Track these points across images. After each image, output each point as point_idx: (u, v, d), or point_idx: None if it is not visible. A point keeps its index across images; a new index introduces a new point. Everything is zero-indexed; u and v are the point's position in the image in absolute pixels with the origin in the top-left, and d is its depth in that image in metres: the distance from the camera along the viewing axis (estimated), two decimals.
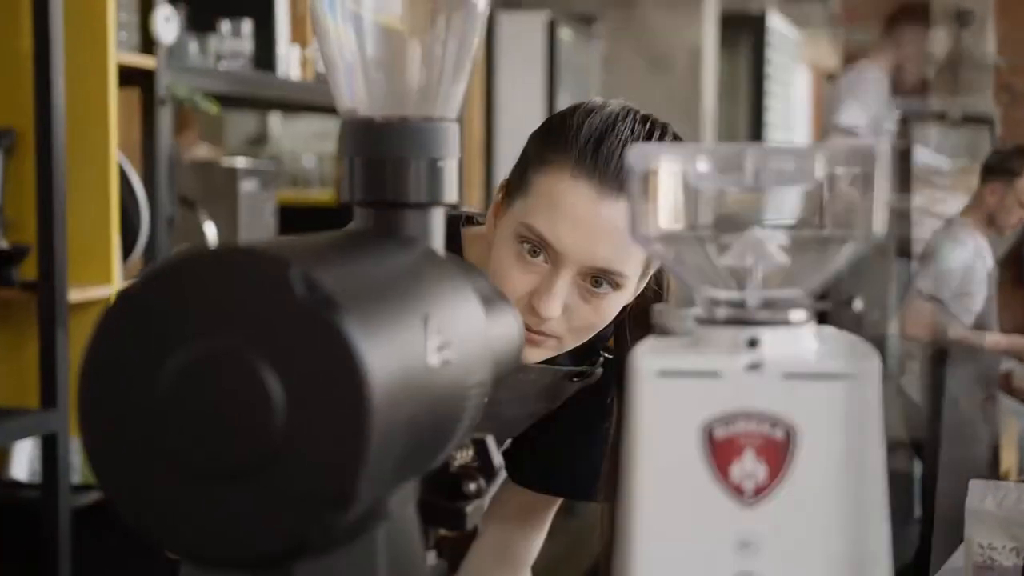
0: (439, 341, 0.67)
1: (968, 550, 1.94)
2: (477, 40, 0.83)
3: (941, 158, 4.78)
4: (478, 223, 1.42)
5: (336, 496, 0.59)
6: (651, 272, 1.32)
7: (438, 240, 0.79)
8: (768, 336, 0.67)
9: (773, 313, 0.68)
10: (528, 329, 1.25)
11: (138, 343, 0.60)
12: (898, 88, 4.62)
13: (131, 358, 0.60)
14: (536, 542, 1.52)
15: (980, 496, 1.97)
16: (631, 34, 5.42)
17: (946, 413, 3.85)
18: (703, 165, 0.68)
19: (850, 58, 9.39)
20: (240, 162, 3.19)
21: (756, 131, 7.35)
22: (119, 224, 2.49)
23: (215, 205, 3.04)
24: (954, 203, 5.00)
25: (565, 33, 4.95)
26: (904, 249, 4.80)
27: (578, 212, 1.22)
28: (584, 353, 1.39)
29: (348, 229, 0.76)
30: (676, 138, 1.30)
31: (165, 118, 2.67)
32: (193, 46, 2.91)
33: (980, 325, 4.38)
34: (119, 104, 2.51)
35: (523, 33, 4.81)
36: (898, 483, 4.87)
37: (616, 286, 1.25)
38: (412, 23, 0.81)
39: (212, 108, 2.73)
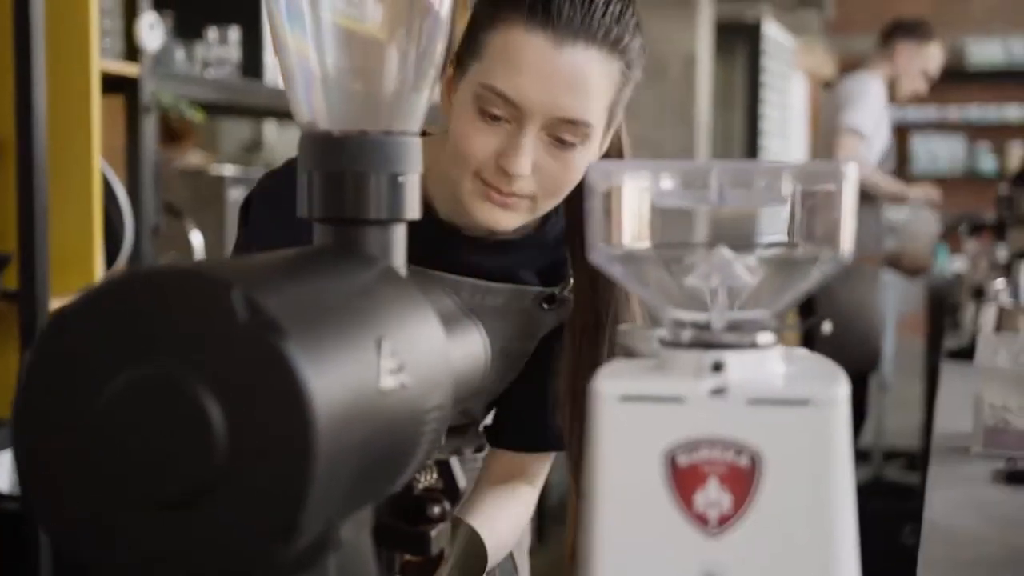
0: (394, 364, 0.65)
1: (978, 410, 1.83)
2: (441, 48, 0.81)
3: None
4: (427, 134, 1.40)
5: (280, 527, 0.57)
6: (614, 126, 1.31)
7: (399, 257, 0.76)
8: (734, 359, 0.64)
9: (739, 336, 0.66)
10: (499, 192, 1.25)
11: (76, 365, 0.58)
12: (894, 99, 4.63)
13: (68, 380, 0.58)
14: (531, 502, 1.48)
15: (992, 350, 1.85)
16: None
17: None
18: (667, 183, 0.66)
19: (846, 67, 9.41)
20: (229, 170, 3.17)
21: (752, 139, 7.33)
22: (102, 233, 2.47)
23: (203, 213, 3.02)
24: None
25: None
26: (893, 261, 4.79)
27: (536, 63, 1.20)
28: (552, 276, 1.39)
29: (306, 248, 0.74)
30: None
31: (149, 126, 2.65)
32: (180, 53, 2.89)
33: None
34: (103, 112, 2.49)
35: None
36: None
37: (583, 137, 1.23)
38: (373, 31, 0.79)
39: (197, 116, 2.70)
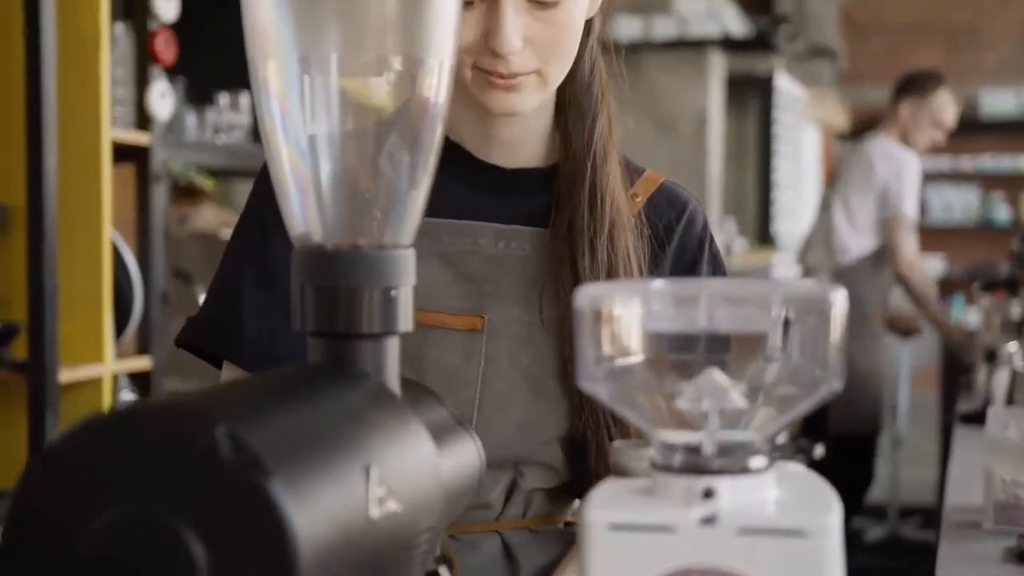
0: (382, 491, 0.64)
1: (988, 485, 1.80)
2: (433, 161, 0.80)
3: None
4: None
5: None
6: None
7: (392, 371, 0.76)
8: (725, 485, 0.64)
9: (730, 460, 0.65)
10: (500, 76, 1.18)
11: (60, 504, 0.58)
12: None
13: (53, 519, 0.58)
14: None
15: (1002, 423, 1.81)
16: (637, 97, 5.42)
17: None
18: (656, 306, 0.65)
19: (858, 117, 9.42)
20: None
21: (764, 192, 7.34)
22: (112, 302, 2.47)
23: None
24: None
25: None
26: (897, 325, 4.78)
27: None
28: None
29: (295, 366, 0.74)
30: None
31: (160, 194, 2.66)
32: (191, 119, 2.91)
33: None
34: (114, 180, 2.50)
35: None
36: None
37: None
38: (367, 141, 0.79)
39: (207, 184, 2.72)
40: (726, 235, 6.18)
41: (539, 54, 1.18)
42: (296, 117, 0.75)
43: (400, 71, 0.76)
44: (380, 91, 0.76)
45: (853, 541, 5.00)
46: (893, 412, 5.50)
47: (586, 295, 0.66)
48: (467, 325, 1.25)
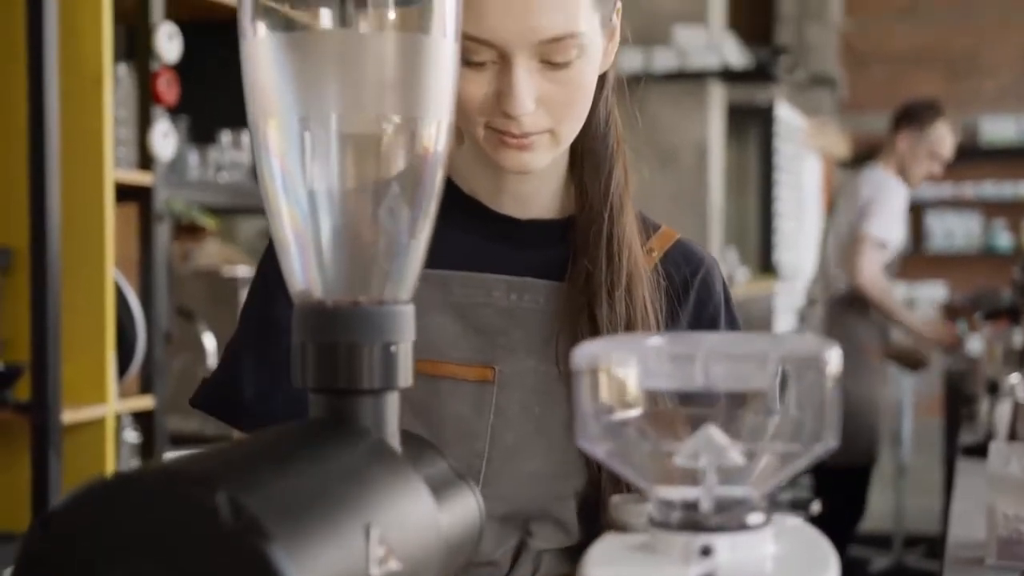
0: (382, 551, 0.65)
1: (991, 521, 1.79)
2: (432, 215, 0.81)
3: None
4: None
5: None
6: (615, 19, 1.24)
7: (392, 426, 0.77)
8: (723, 543, 0.64)
9: (728, 517, 0.65)
10: (513, 136, 1.17)
11: (61, 569, 0.58)
12: (909, 186, 4.59)
13: None
14: None
15: (1003, 458, 1.80)
16: (638, 129, 5.43)
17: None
18: (652, 363, 0.66)
19: (859, 145, 9.46)
20: (242, 271, 3.19)
21: (766, 222, 7.35)
22: (115, 342, 2.48)
23: (216, 314, 3.04)
24: None
25: None
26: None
27: None
28: None
29: (296, 424, 0.74)
30: None
31: (162, 233, 2.67)
32: (193, 157, 2.92)
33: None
34: (116, 219, 2.51)
35: None
36: None
37: (578, 50, 1.16)
38: (367, 198, 0.80)
39: (209, 223, 2.73)
40: (728, 265, 6.19)
41: (552, 114, 1.18)
42: (296, 175, 0.76)
43: (399, 128, 0.77)
44: (379, 148, 0.77)
45: (857, 571, 4.99)
46: (897, 440, 5.50)
47: (583, 353, 0.67)
48: (478, 376, 1.24)
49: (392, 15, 0.75)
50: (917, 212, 9.94)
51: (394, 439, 0.76)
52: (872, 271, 4.30)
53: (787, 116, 7.51)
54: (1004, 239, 9.86)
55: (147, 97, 2.63)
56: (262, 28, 0.75)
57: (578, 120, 1.21)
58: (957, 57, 9.83)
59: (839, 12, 9.68)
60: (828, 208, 8.59)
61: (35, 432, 2.27)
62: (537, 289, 1.27)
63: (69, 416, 2.36)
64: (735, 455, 0.65)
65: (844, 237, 4.42)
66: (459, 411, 1.23)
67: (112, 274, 2.47)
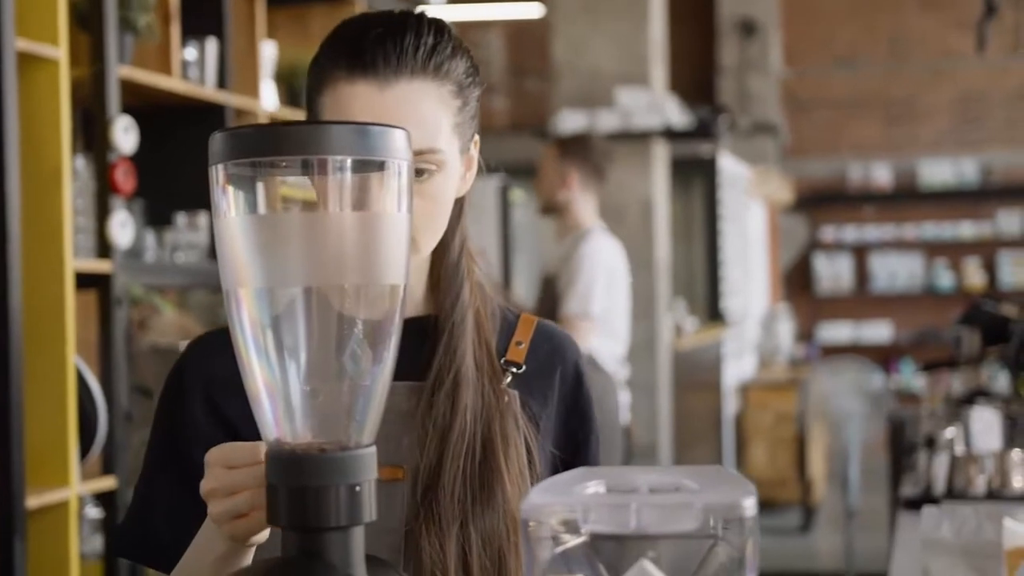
0: None
1: None
2: (391, 361, 0.90)
3: None
4: None
5: None
6: (473, 143, 1.31)
7: (358, 557, 0.85)
8: None
9: None
10: None
11: None
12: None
13: None
14: None
15: (935, 523, 1.85)
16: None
17: None
18: (592, 514, 0.75)
19: (802, 190, 9.64)
20: None
21: (712, 269, 7.49)
22: (77, 426, 2.54)
23: None
24: None
25: (517, 195, 5.08)
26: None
27: (364, 109, 1.21)
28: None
29: (270, 564, 0.83)
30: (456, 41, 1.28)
31: (121, 318, 2.74)
32: (150, 239, 2.99)
33: None
34: (76, 306, 2.58)
35: (476, 198, 4.93)
36: None
37: (438, 164, 1.23)
38: (328, 358, 0.88)
39: (167, 308, 2.80)
40: (676, 316, 6.30)
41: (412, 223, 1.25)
42: (265, 336, 0.85)
43: (359, 291, 0.87)
44: (342, 310, 0.86)
45: None
46: (845, 483, 5.61)
47: (529, 505, 0.75)
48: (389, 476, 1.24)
49: (349, 195, 0.85)
50: (861, 254, 10.15)
51: (360, 569, 0.85)
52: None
53: (730, 166, 7.67)
54: (946, 278, 10.07)
55: (105, 188, 2.70)
56: (232, 208, 0.84)
57: (436, 232, 1.27)
58: (895, 103, 10.06)
59: (779, 61, 9.88)
60: (773, 251, 8.75)
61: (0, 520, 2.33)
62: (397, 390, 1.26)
63: (32, 501, 2.41)
64: None
65: None
66: None
67: (73, 360, 2.53)
